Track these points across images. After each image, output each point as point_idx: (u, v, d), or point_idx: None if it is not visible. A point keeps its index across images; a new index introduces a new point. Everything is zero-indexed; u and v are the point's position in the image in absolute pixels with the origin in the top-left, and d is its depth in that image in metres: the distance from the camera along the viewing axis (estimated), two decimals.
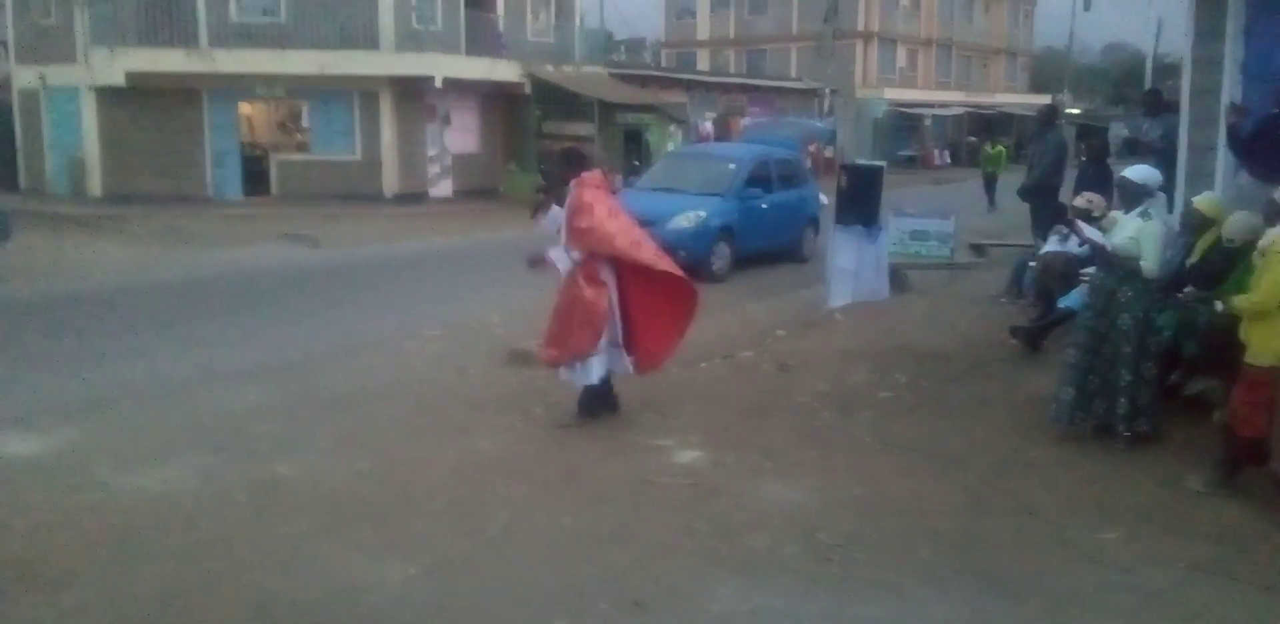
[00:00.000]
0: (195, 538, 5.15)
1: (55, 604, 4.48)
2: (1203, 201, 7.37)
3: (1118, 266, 6.43)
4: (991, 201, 25.21)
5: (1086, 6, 38.90)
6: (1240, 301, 5.59)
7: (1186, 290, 7.00)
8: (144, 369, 8.66)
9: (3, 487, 5.81)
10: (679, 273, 6.99)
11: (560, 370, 7.00)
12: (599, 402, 7.09)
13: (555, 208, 6.87)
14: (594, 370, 6.89)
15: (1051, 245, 9.91)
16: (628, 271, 6.89)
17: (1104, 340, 6.48)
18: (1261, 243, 5.65)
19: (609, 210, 6.75)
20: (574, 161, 7.01)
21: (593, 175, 6.88)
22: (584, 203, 6.65)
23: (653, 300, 7.01)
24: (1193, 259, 7.28)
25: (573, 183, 6.78)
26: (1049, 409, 6.83)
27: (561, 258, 6.82)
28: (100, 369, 8.62)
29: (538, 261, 6.99)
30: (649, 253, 6.86)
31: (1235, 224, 6.87)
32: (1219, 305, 6.52)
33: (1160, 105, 11.03)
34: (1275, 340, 5.45)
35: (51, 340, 9.73)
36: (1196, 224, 7.32)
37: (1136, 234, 6.34)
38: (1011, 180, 25.45)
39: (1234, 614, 4.50)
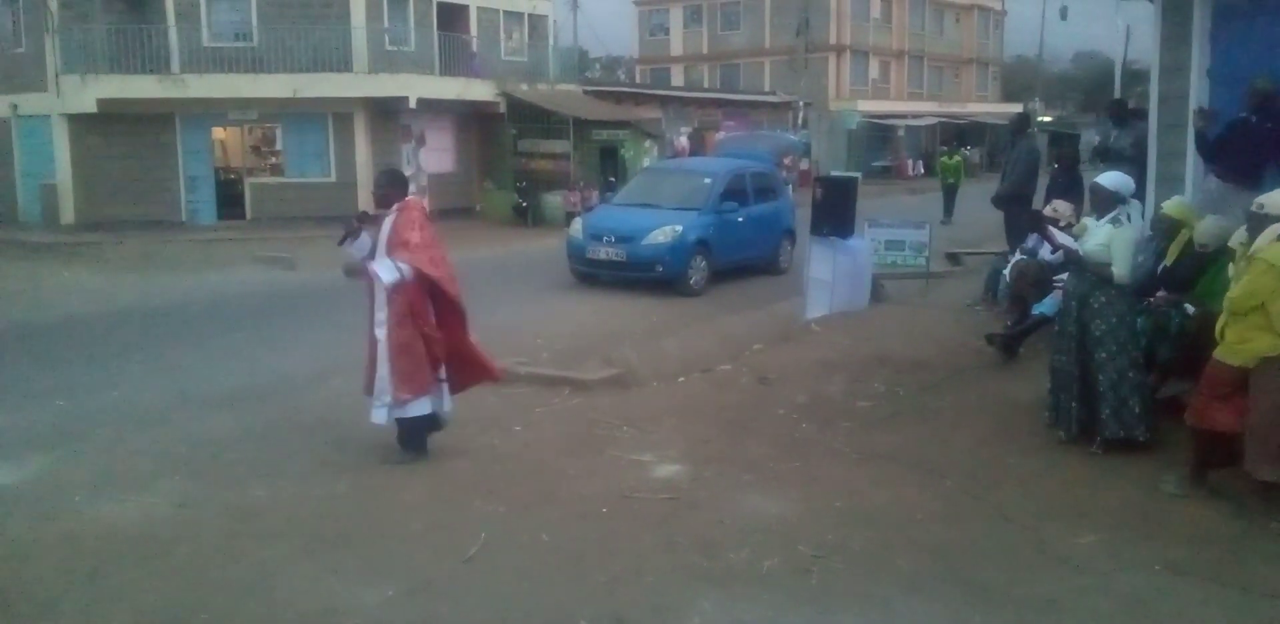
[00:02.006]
0: (172, 564, 5.11)
1: None
2: (1172, 206, 7.44)
3: (1089, 272, 6.48)
4: (948, 212, 24.65)
5: (1063, 16, 39.21)
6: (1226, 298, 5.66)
7: (1159, 295, 7.05)
8: (119, 396, 8.60)
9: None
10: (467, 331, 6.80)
11: (382, 412, 6.55)
12: (426, 430, 6.78)
13: (365, 236, 6.61)
14: (428, 402, 6.63)
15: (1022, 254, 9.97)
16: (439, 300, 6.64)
17: (1080, 345, 6.52)
18: (1252, 248, 5.66)
19: (432, 236, 6.53)
20: (398, 183, 6.72)
21: (417, 200, 6.73)
22: (413, 219, 6.46)
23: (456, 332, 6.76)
24: (1166, 263, 7.34)
25: (397, 205, 6.55)
26: (1041, 415, 6.86)
27: (388, 269, 6.37)
28: (74, 397, 8.55)
29: (357, 272, 6.54)
30: (455, 288, 6.67)
31: (1206, 229, 6.93)
32: (1190, 309, 6.60)
33: (1126, 114, 11.13)
34: (1247, 343, 5.50)
35: (25, 369, 9.64)
36: (1166, 228, 7.38)
37: (1107, 240, 6.40)
38: (970, 191, 25.65)
39: (1212, 616, 4.52)
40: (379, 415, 6.58)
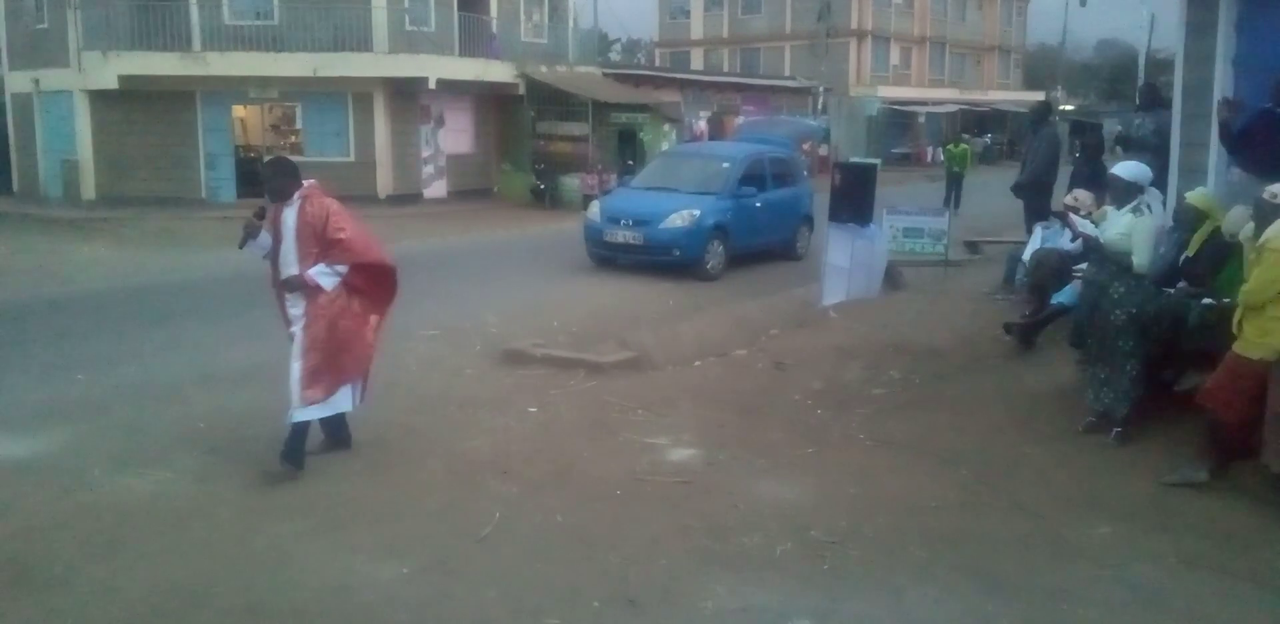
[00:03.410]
0: (189, 538, 5.16)
1: (50, 605, 4.48)
2: (1196, 197, 7.38)
3: (1109, 262, 6.45)
4: (953, 202, 22.84)
5: (1083, 2, 38.89)
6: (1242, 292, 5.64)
7: (1180, 286, 7.01)
8: (138, 371, 8.66)
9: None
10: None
11: (306, 410, 6.08)
12: (335, 433, 6.46)
13: (264, 233, 6.12)
14: (345, 399, 6.29)
15: (1038, 241, 9.92)
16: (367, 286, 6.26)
17: (1100, 335, 6.51)
18: (1261, 238, 5.63)
19: (352, 219, 6.15)
20: (293, 172, 6.19)
21: (316, 184, 6.19)
22: (331, 211, 6.03)
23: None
24: (1187, 254, 7.29)
25: (298, 194, 6.05)
26: (1084, 395, 6.82)
27: (326, 277, 6.01)
28: (95, 371, 8.61)
29: (296, 284, 6.03)
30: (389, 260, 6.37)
31: (1236, 218, 6.87)
32: (1208, 302, 6.56)
33: (1155, 99, 11.02)
34: (1267, 336, 5.47)
35: (44, 343, 9.71)
36: (1190, 219, 7.32)
37: (1128, 230, 6.37)
38: (987, 179, 25.29)
39: (1225, 608, 4.51)
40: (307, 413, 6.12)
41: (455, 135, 26.78)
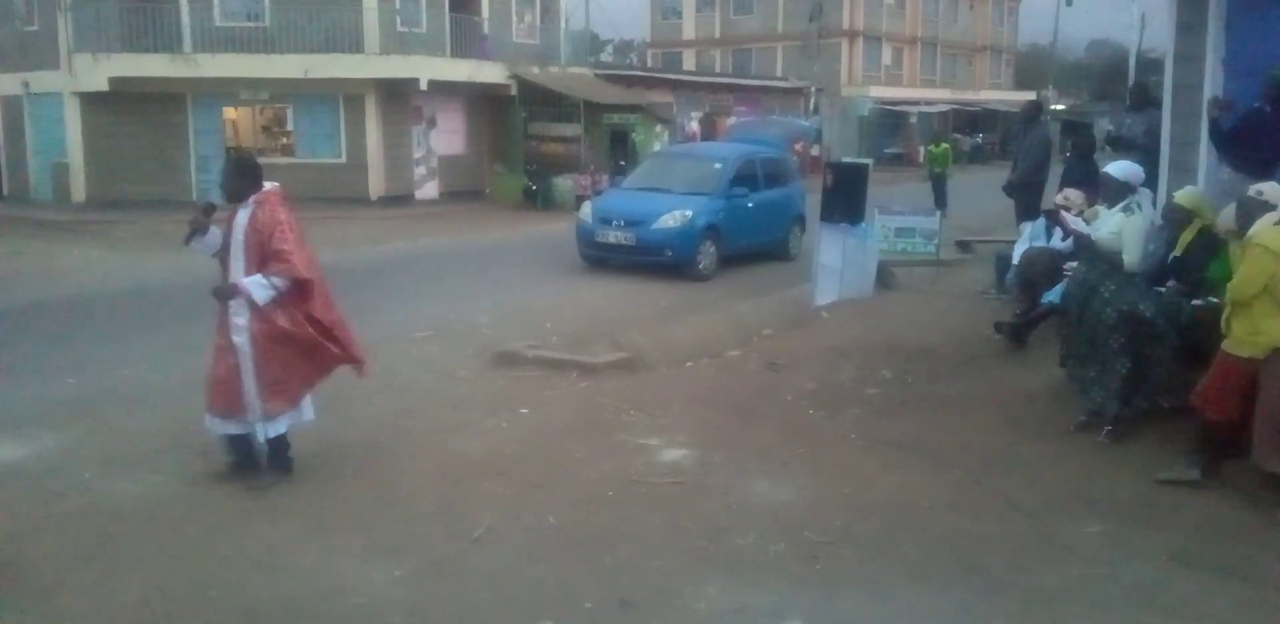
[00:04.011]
0: (182, 542, 5.14)
1: (43, 609, 4.47)
2: (1184, 196, 7.40)
3: (1100, 260, 6.48)
4: (938, 203, 22.08)
5: (1069, 2, 39.03)
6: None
7: (1170, 285, 7.02)
8: (129, 374, 8.64)
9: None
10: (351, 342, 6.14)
11: (276, 424, 5.91)
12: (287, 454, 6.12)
13: (214, 230, 5.86)
14: (306, 410, 6.11)
15: (1026, 240, 9.94)
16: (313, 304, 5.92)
17: (1091, 333, 6.53)
18: (1247, 235, 5.66)
19: (300, 234, 5.83)
20: (251, 173, 5.90)
21: (276, 190, 5.92)
22: (281, 221, 5.75)
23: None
24: (1175, 253, 7.31)
25: (253, 199, 5.80)
26: (1071, 387, 6.84)
27: (261, 288, 5.70)
28: (85, 374, 8.59)
29: (227, 295, 5.77)
30: (326, 292, 6.00)
31: (1231, 216, 6.88)
32: (1198, 302, 6.58)
33: (1146, 99, 11.05)
34: (1254, 333, 5.48)
35: (35, 346, 9.68)
36: (1178, 218, 7.35)
37: (1119, 228, 6.41)
38: (975, 179, 25.21)
39: (1216, 606, 4.52)
40: (257, 431, 5.92)
41: (447, 136, 26.77)
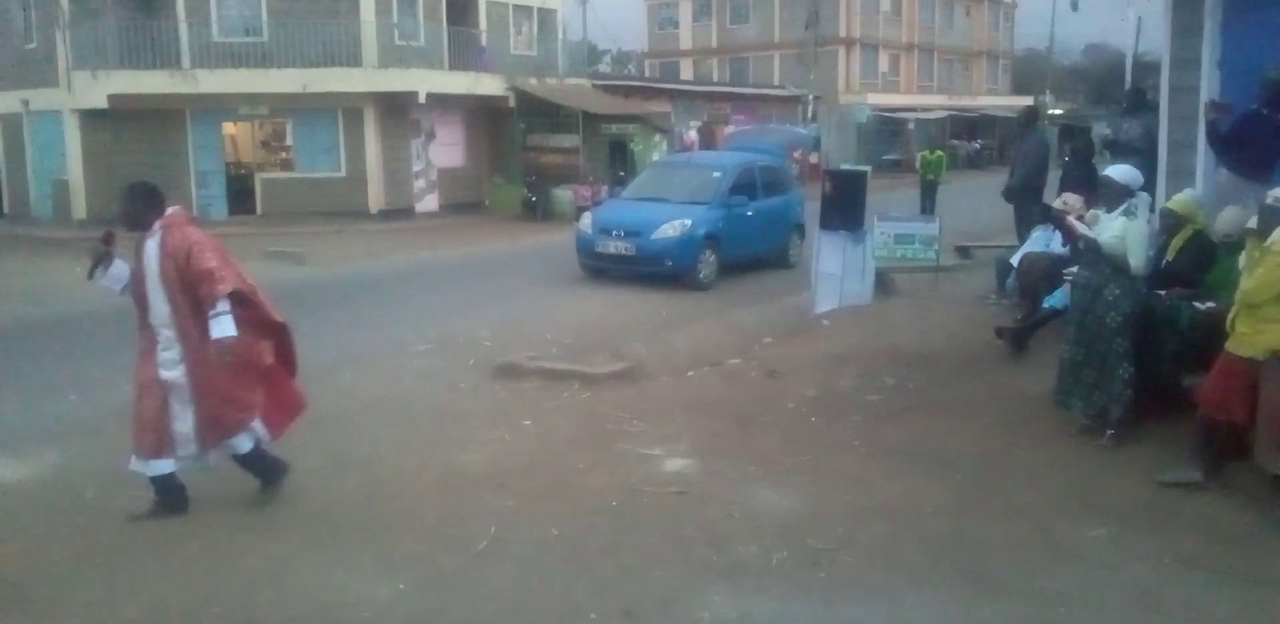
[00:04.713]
0: (184, 558, 5.14)
1: None
2: (1176, 202, 7.42)
3: (1105, 264, 6.48)
4: (925, 210, 22.08)
5: (1074, 7, 39.09)
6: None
7: (1171, 290, 7.03)
8: (129, 391, 8.61)
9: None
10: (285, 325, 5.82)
11: (237, 441, 5.68)
12: (271, 463, 5.92)
13: (119, 262, 5.51)
14: (258, 432, 5.77)
15: (1030, 245, 9.95)
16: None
17: (1095, 338, 6.54)
18: (1270, 239, 5.63)
19: (219, 249, 5.48)
20: (153, 199, 5.52)
21: (179, 212, 5.58)
22: (195, 241, 5.39)
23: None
24: (1167, 258, 7.32)
25: (158, 225, 5.44)
26: (1052, 394, 6.85)
27: (226, 324, 5.34)
28: (86, 391, 8.58)
29: (228, 347, 5.38)
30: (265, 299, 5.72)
31: (1229, 219, 6.89)
32: (1198, 305, 6.58)
33: (1142, 103, 11.07)
34: (1260, 335, 5.48)
35: (37, 364, 9.70)
36: (1170, 224, 7.36)
37: (1122, 233, 6.42)
38: (970, 185, 25.04)
39: (1221, 608, 4.52)
40: (209, 460, 5.70)
41: (446, 149, 26.81)
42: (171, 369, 5.45)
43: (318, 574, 4.94)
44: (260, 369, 5.67)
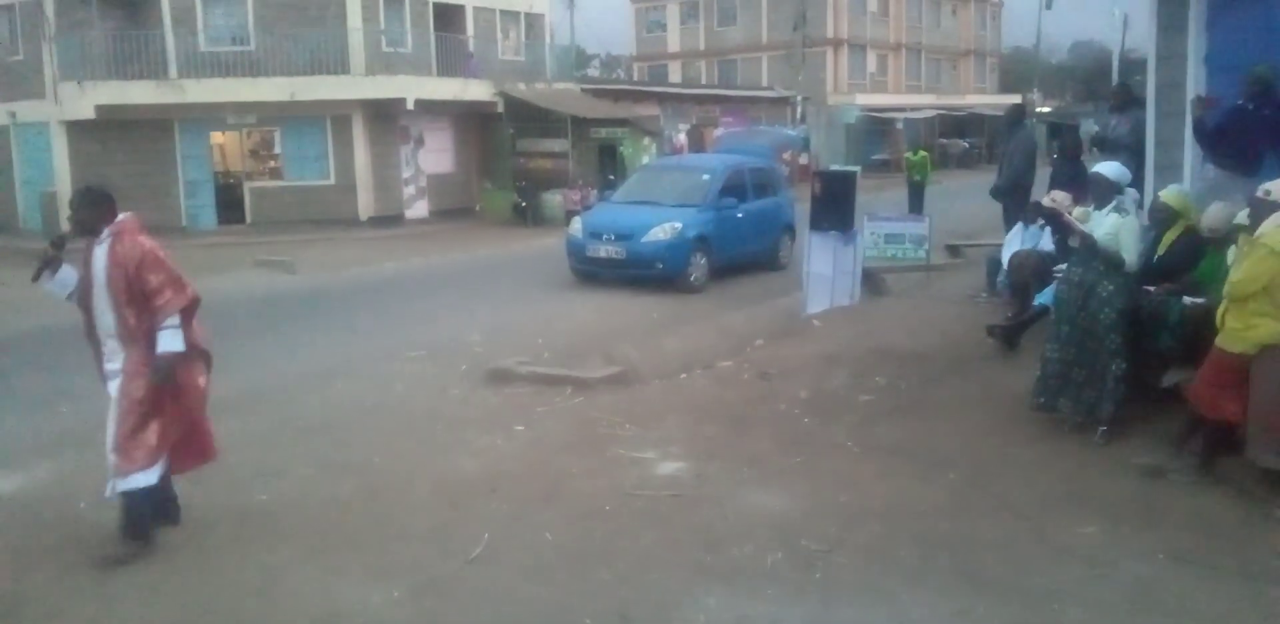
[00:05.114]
0: (178, 568, 5.13)
1: None
2: (1169, 195, 7.42)
3: (1098, 261, 6.50)
4: (913, 211, 21.18)
5: (1048, 5, 39.19)
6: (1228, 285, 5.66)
7: (1160, 286, 7.04)
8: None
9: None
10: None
11: (131, 478, 5.19)
12: (161, 507, 5.50)
13: (67, 267, 5.29)
14: (157, 471, 5.31)
15: (1016, 242, 9.96)
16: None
17: (1086, 335, 6.55)
18: (1258, 232, 5.64)
19: (168, 260, 5.27)
20: (103, 204, 5.30)
21: (131, 219, 5.35)
22: (145, 250, 5.17)
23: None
24: (1159, 252, 7.33)
25: (108, 231, 5.23)
26: (1030, 399, 6.87)
27: (167, 339, 5.13)
28: (78, 403, 8.51)
29: (169, 369, 5.17)
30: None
31: (1215, 215, 6.91)
32: (1189, 300, 6.59)
33: (1129, 99, 11.10)
34: (1249, 329, 5.50)
35: (28, 375, 9.65)
36: (1164, 218, 7.37)
37: (1115, 229, 6.43)
38: (949, 187, 24.94)
39: (1215, 603, 4.52)
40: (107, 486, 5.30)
41: (435, 155, 26.81)
42: (110, 381, 5.25)
43: (311, 582, 4.93)
44: (190, 398, 5.35)
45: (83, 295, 5.31)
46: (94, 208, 5.29)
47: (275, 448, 7.14)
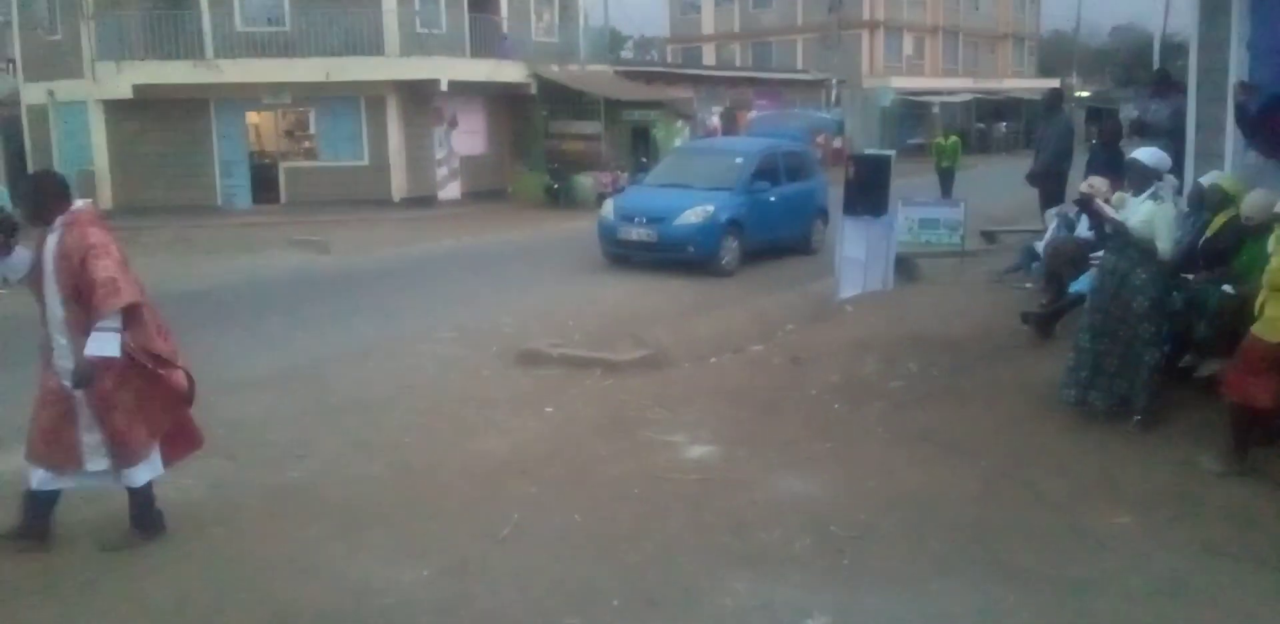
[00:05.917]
0: (210, 544, 5.19)
1: (73, 614, 4.51)
2: (1225, 179, 7.32)
3: (1133, 249, 6.42)
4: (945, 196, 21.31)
5: None
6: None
7: (1199, 274, 6.96)
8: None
9: (17, 499, 5.84)
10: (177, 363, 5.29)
11: (134, 472, 5.13)
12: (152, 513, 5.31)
13: (20, 250, 5.00)
14: (158, 461, 5.27)
15: (1053, 229, 9.87)
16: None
17: (1120, 323, 6.48)
18: None
19: (118, 254, 4.98)
20: (54, 191, 5.06)
21: (87, 209, 5.11)
22: (92, 244, 4.87)
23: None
24: (1207, 235, 7.23)
25: (60, 221, 4.95)
26: (1060, 392, 6.81)
27: (102, 341, 4.80)
28: None
29: (88, 373, 4.85)
30: (158, 319, 5.28)
31: (1254, 202, 6.81)
32: (1228, 288, 6.51)
33: (1168, 85, 10.95)
34: None
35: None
36: (1217, 201, 7.27)
37: (1149, 217, 6.34)
38: (985, 171, 24.57)
39: (1248, 595, 4.47)
40: (111, 482, 5.21)
41: (468, 137, 26.83)
42: (69, 378, 4.91)
43: (343, 561, 4.97)
44: (159, 391, 5.17)
45: (34, 284, 5.07)
46: (46, 195, 5.04)
47: (308, 426, 7.20)
